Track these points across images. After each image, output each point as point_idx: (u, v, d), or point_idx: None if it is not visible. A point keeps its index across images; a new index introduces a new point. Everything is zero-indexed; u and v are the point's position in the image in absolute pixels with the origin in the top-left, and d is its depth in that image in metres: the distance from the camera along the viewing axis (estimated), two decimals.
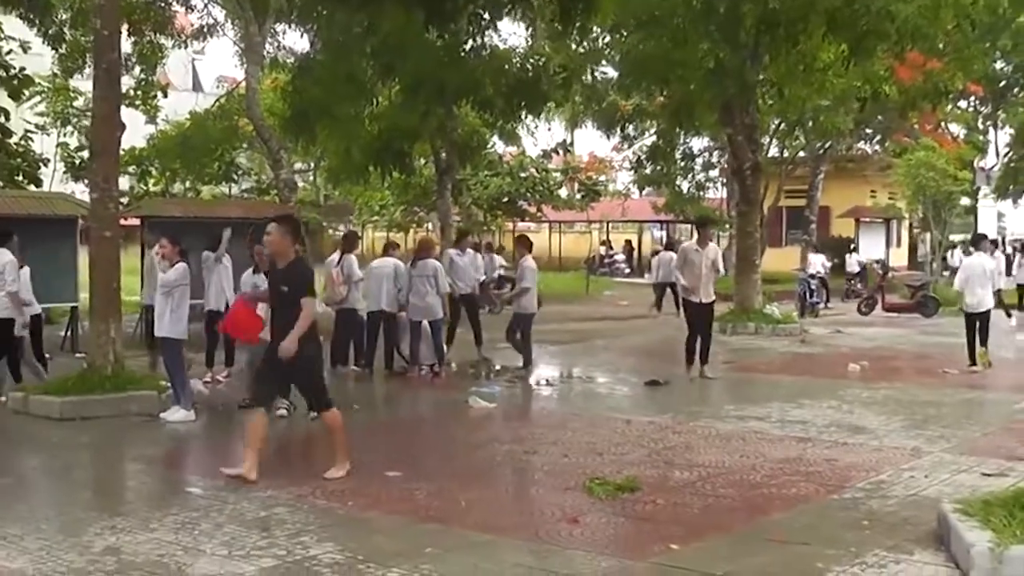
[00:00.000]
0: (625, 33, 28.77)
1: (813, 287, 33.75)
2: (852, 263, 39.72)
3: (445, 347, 19.36)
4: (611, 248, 62.34)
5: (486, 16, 19.63)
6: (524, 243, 20.40)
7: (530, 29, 34.76)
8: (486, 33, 22.88)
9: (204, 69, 75.96)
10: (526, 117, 31.36)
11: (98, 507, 9.89)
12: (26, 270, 16.32)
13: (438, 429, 14.80)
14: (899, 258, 55.50)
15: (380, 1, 19.41)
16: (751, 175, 28.48)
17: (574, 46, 33.00)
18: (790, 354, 23.24)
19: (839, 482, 10.86)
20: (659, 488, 10.49)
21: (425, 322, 18.63)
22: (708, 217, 23.32)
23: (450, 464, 12.00)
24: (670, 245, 35.70)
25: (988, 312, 20.28)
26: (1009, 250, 57.80)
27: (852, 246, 44.27)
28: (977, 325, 20.19)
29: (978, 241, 21.89)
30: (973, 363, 20.20)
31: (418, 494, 10.26)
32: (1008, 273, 34.00)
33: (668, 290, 29.71)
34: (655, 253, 36.19)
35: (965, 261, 21.65)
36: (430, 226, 55.13)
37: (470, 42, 22.97)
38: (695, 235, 20.19)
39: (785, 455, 12.12)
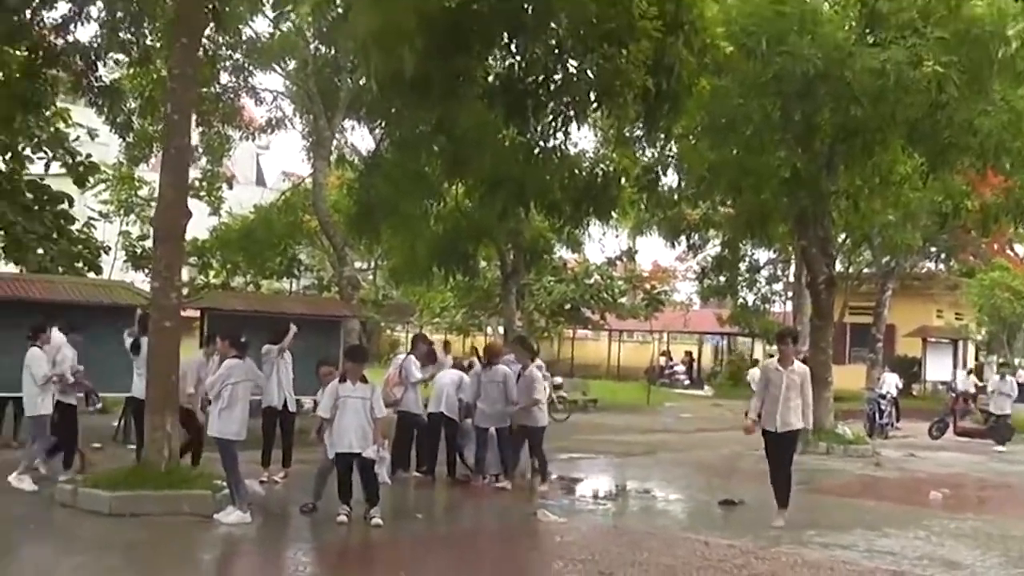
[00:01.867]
0: (693, 140, 28.15)
1: (883, 407, 32.81)
2: (968, 384, 37.48)
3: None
4: (671, 359, 61.56)
5: (571, 114, 19.07)
6: (528, 347, 19.14)
7: (599, 134, 34.44)
8: (557, 136, 22.46)
9: (268, 164, 76.29)
10: (592, 223, 30.77)
11: None
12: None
13: (507, 543, 14.05)
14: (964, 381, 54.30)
15: (459, 97, 18.94)
16: (825, 289, 27.71)
17: (640, 153, 32.64)
18: (866, 477, 22.34)
19: None
20: None
21: (492, 429, 17.88)
22: (790, 330, 21.06)
23: None
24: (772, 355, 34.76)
25: None
26: None
27: (969, 368, 41.89)
28: None
29: None
30: None
31: None
32: None
33: None
34: (754, 363, 34.89)
35: None
36: (489, 330, 54.78)
37: (541, 144, 22.52)
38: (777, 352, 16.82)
39: None
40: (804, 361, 17.40)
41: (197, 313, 24.01)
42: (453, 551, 13.29)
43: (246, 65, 31.08)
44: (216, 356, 14.91)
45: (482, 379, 17.95)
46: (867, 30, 23.75)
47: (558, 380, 35.63)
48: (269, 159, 75.26)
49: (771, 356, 43.96)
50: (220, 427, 13.78)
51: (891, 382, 34.19)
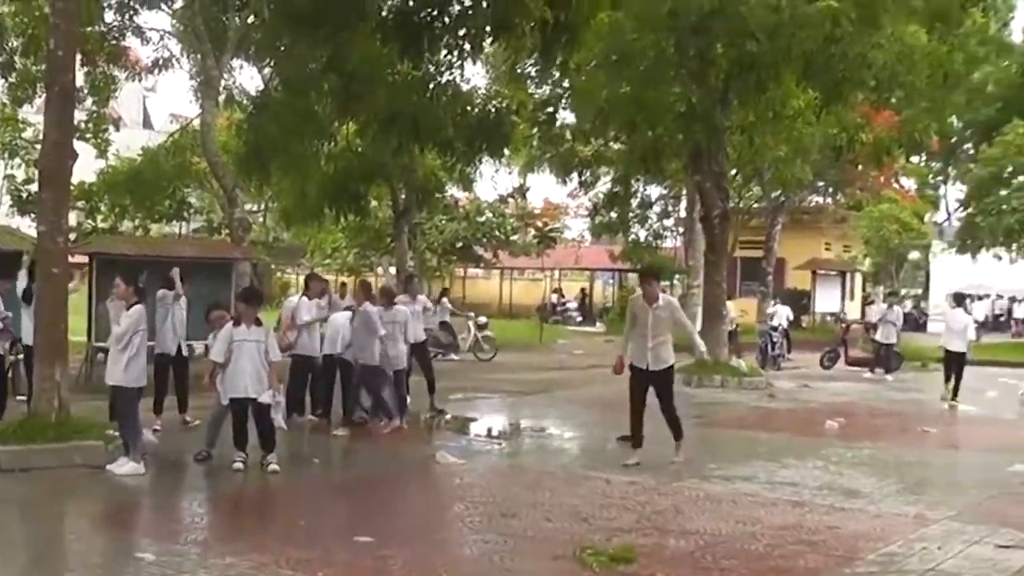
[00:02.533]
0: (584, 76, 27.96)
1: (775, 339, 33.17)
2: (872, 312, 36.85)
3: (408, 398, 18.41)
4: (563, 296, 61.71)
5: (467, 47, 18.74)
6: (365, 288, 18.86)
7: (490, 70, 34.22)
8: (452, 71, 22.20)
9: (155, 107, 74.88)
10: (484, 160, 30.59)
11: (38, 574, 8.94)
12: None
13: (406, 487, 13.85)
14: (853, 311, 55.04)
15: (352, 32, 18.56)
16: (719, 223, 27.82)
17: (532, 89, 32.46)
18: (761, 409, 22.55)
19: (848, 553, 10.07)
20: (656, 559, 9.62)
21: (390, 372, 17.68)
22: (653, 268, 20.18)
23: (424, 527, 11.09)
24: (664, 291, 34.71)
25: (963, 355, 24.00)
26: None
27: (870, 298, 41.28)
28: (954, 366, 23.94)
29: (960, 299, 25.88)
30: (946, 393, 23.95)
31: (393, 563, 9.36)
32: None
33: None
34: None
35: (951, 312, 25.00)
36: (380, 270, 54.52)
37: (436, 79, 22.23)
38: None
39: (783, 521, 11.31)
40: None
41: (86, 259, 23.42)
42: (353, 496, 13.09)
43: (131, 3, 30.28)
44: (111, 304, 14.42)
45: (383, 320, 17.69)
46: None
47: (482, 320, 35.57)
48: (156, 101, 73.96)
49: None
50: (126, 376, 13.37)
51: (782, 314, 34.52)
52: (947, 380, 24.21)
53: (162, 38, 32.78)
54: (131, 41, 32.38)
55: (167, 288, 16.61)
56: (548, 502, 12.13)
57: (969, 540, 10.61)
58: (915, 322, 54.56)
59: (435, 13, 16.76)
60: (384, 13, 18.69)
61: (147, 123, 71.24)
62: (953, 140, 54.57)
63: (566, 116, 34.73)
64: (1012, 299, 66.26)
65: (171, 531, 10.57)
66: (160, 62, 33.37)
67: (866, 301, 58.19)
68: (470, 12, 17.51)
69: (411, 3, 17.42)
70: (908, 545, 10.39)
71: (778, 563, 9.69)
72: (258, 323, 13.86)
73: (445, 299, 35.12)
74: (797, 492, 12.97)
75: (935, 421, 20.92)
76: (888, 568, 9.56)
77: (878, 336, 30.97)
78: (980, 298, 63.33)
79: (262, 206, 47.67)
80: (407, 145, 23.17)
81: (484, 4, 17.16)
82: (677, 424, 15.13)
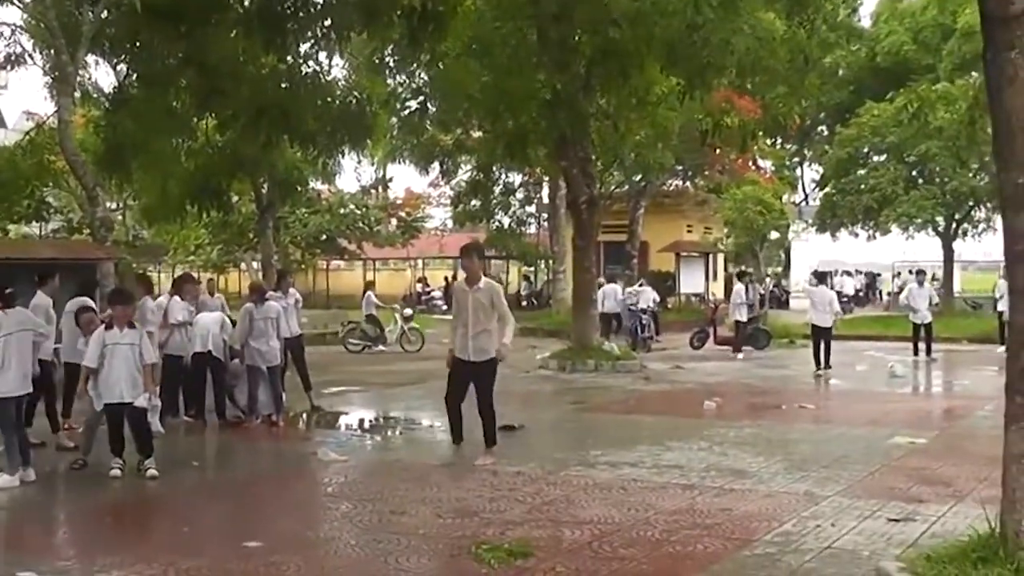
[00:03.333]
0: (445, 66, 27.70)
1: (644, 321, 33.45)
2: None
3: (284, 395, 18.13)
4: (428, 285, 61.61)
5: (333, 37, 18.45)
6: (144, 283, 18.64)
7: (350, 61, 33.82)
8: (319, 62, 21.92)
9: (8, 105, 72.88)
10: (346, 152, 30.29)
11: None
12: None
13: (290, 487, 13.49)
14: (717, 291, 55.67)
15: (212, 25, 18.16)
16: (587, 209, 27.79)
17: (393, 80, 32.17)
18: (638, 392, 22.61)
19: (744, 535, 10.07)
20: (554, 552, 9.50)
21: (264, 368, 17.37)
22: (475, 244, 18.65)
23: (314, 529, 10.80)
24: (611, 278, 35.12)
25: (829, 329, 26.01)
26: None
27: (749, 274, 39.68)
28: (821, 338, 25.80)
29: (821, 276, 29.74)
30: (818, 367, 25.55)
31: (287, 569, 9.06)
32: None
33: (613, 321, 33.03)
34: (600, 285, 34.05)
35: (815, 290, 26.98)
36: (243, 266, 53.90)
37: (302, 70, 21.88)
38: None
39: (675, 506, 11.28)
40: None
41: None
42: (236, 499, 12.76)
43: None
44: None
45: (255, 316, 17.39)
46: None
47: (408, 312, 35.30)
48: (8, 99, 71.94)
49: (526, 278, 44.35)
50: (1, 386, 12.80)
51: (648, 297, 34.83)
52: (816, 354, 25.80)
53: (13, 33, 31.78)
54: None
55: (81, 295, 16.33)
56: (436, 497, 11.93)
57: (860, 515, 10.73)
58: (778, 300, 55.59)
59: (300, 2, 16.47)
60: (246, 4, 18.31)
61: (0, 122, 69.35)
62: (808, 123, 55.68)
63: (428, 105, 34.59)
64: (872, 274, 68.30)
65: (52, 545, 10.21)
66: (12, 58, 32.33)
67: (727, 280, 59.30)
68: (335, 2, 17.24)
69: None
70: (802, 523, 10.46)
71: (676, 549, 9.65)
72: (131, 325, 13.46)
73: (371, 292, 34.82)
74: (685, 475, 12.96)
75: (811, 397, 21.40)
76: (785, 548, 9.57)
77: (735, 315, 31.34)
78: (848, 274, 65.15)
79: (122, 204, 46.82)
80: (277, 139, 22.74)
81: None
82: (492, 425, 14.39)
